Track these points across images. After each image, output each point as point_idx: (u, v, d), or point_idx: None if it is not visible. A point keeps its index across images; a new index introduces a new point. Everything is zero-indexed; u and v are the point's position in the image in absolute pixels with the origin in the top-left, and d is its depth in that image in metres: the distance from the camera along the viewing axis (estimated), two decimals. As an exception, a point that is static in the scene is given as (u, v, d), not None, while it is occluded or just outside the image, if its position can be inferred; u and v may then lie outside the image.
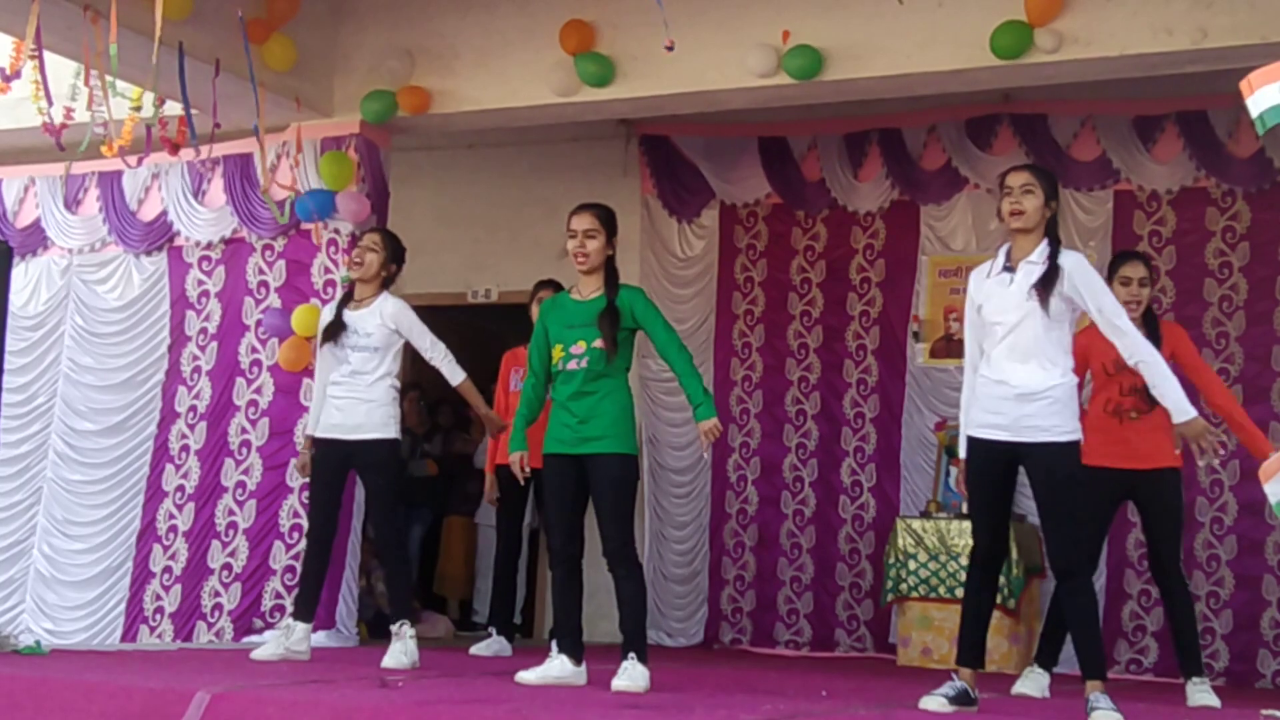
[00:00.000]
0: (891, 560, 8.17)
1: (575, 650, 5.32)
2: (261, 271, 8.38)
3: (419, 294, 8.90)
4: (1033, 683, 6.04)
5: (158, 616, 8.28)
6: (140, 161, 7.84)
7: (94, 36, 6.73)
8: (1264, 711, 5.17)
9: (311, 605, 6.40)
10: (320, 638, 7.19)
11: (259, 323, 8.28)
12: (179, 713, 4.36)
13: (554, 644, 5.35)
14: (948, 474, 8.42)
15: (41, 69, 6.75)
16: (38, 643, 6.09)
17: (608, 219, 5.49)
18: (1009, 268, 4.95)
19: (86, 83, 7.13)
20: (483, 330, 10.30)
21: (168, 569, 8.34)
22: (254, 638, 7.46)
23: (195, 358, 8.57)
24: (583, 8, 7.67)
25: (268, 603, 7.87)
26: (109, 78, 6.97)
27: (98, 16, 6.68)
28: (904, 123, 9.00)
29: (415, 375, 8.83)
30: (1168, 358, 5.89)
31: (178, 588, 8.26)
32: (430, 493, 10.12)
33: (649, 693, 5.08)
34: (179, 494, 8.41)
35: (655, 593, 9.14)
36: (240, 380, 8.32)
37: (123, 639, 8.36)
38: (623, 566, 5.28)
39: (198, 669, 5.43)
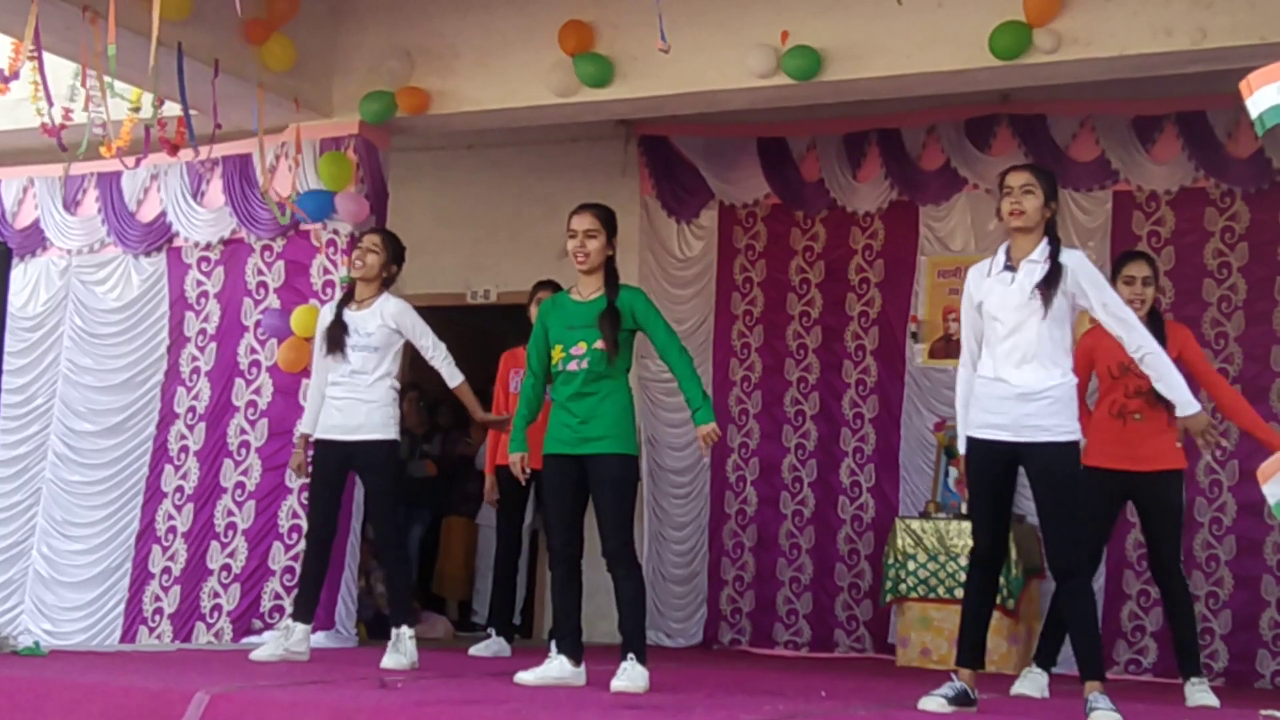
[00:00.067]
0: (890, 561, 8.16)
1: (574, 651, 5.32)
2: (260, 272, 8.38)
3: (418, 294, 8.89)
4: (1031, 683, 6.04)
5: (157, 617, 8.28)
6: (139, 162, 7.84)
7: (93, 37, 6.72)
8: (1263, 712, 5.17)
9: (311, 606, 6.40)
10: (319, 638, 7.18)
11: (258, 323, 8.28)
12: (178, 713, 4.36)
13: (553, 644, 5.35)
14: (947, 474, 8.42)
15: (41, 70, 6.75)
16: (37, 644, 6.10)
17: (608, 219, 5.49)
18: (1010, 266, 4.95)
19: (84, 84, 7.13)
20: (482, 330, 10.30)
21: (167, 570, 8.34)
22: (253, 638, 7.46)
23: (194, 358, 8.57)
24: (582, 8, 7.67)
25: (267, 603, 7.86)
26: (107, 79, 6.97)
27: (96, 17, 6.68)
28: (903, 123, 9.01)
29: (415, 376, 8.83)
30: (1174, 359, 5.91)
31: (177, 589, 8.26)
32: (430, 493, 10.12)
33: (648, 693, 5.08)
34: (178, 495, 8.41)
35: (654, 593, 9.14)
36: (239, 381, 8.32)
37: (122, 640, 8.36)
38: (622, 567, 5.28)
39: (197, 670, 5.43)
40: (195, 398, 8.49)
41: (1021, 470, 4.94)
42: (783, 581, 9.14)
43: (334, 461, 6.39)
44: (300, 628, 6.30)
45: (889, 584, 8.16)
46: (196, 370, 8.54)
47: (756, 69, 7.32)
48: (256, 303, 8.35)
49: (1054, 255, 4.89)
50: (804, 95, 7.63)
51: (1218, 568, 8.17)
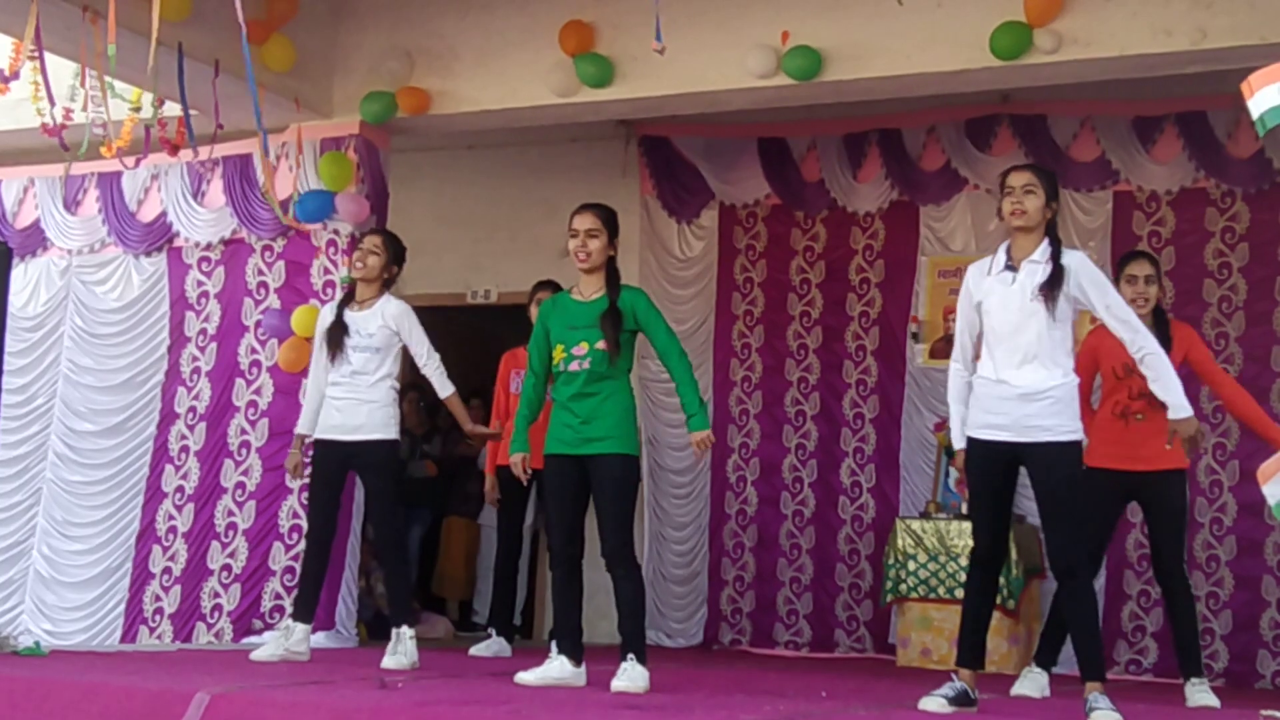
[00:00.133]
0: (891, 561, 8.16)
1: (575, 651, 5.32)
2: (261, 272, 8.38)
3: (418, 294, 8.90)
4: (1031, 682, 6.04)
5: (157, 617, 8.28)
6: (138, 163, 7.84)
7: (93, 37, 6.72)
8: (1263, 712, 5.17)
9: (311, 606, 6.40)
10: (320, 639, 7.18)
11: (258, 323, 8.28)
12: (179, 713, 4.36)
13: (553, 645, 5.35)
14: (947, 475, 8.42)
15: (43, 69, 6.75)
16: (37, 644, 6.10)
17: (610, 219, 5.50)
18: (1010, 266, 4.95)
19: (83, 84, 7.13)
20: (482, 331, 10.30)
21: (167, 570, 8.34)
22: (253, 639, 7.46)
23: (195, 358, 8.57)
24: (582, 8, 7.68)
25: (267, 604, 7.86)
26: (108, 79, 6.97)
27: (97, 17, 6.68)
28: (903, 123, 9.01)
29: (414, 376, 8.78)
30: (1180, 359, 5.92)
31: (177, 589, 8.26)
32: (430, 494, 10.12)
33: (648, 693, 5.08)
34: (178, 495, 8.41)
35: (655, 593, 9.14)
36: (240, 381, 8.32)
37: (122, 640, 8.36)
38: (621, 567, 5.28)
39: (197, 670, 5.43)
40: (196, 398, 8.49)
41: (1022, 470, 4.94)
42: (783, 582, 9.14)
43: (334, 462, 6.39)
44: (300, 628, 6.31)
45: (889, 584, 8.16)
46: (197, 370, 8.54)
47: (757, 69, 7.32)
48: (257, 303, 8.35)
49: (1055, 256, 4.89)
50: (804, 95, 7.63)
51: (1218, 568, 8.17)
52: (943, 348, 8.85)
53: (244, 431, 8.22)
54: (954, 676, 4.97)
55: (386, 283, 6.50)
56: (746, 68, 7.35)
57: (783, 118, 8.97)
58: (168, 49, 6.88)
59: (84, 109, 7.13)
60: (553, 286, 7.28)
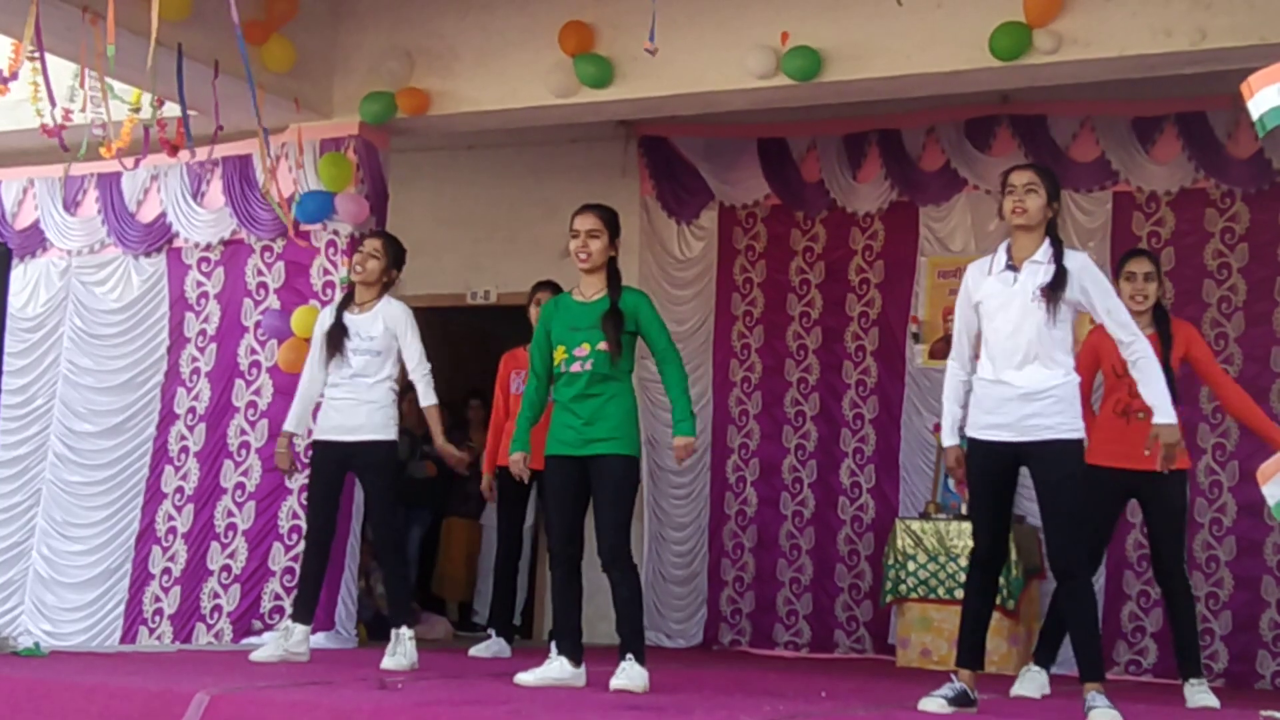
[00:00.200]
0: (890, 561, 8.16)
1: (575, 652, 5.32)
2: (260, 273, 8.38)
3: (418, 295, 8.91)
4: (1030, 681, 6.04)
5: (157, 618, 8.28)
6: (138, 163, 7.84)
7: (93, 38, 6.72)
8: (1263, 713, 5.17)
9: (310, 607, 6.41)
10: (319, 639, 7.18)
11: (258, 324, 8.28)
12: (178, 714, 4.37)
13: (553, 645, 5.35)
14: (946, 475, 8.41)
15: (44, 70, 6.75)
16: (37, 644, 6.10)
17: (611, 220, 5.50)
18: (1011, 266, 4.95)
19: (83, 84, 7.13)
20: (482, 331, 10.30)
21: (167, 571, 8.34)
22: (253, 639, 7.46)
23: (194, 359, 8.57)
24: (582, 9, 7.67)
25: (267, 604, 7.86)
26: (107, 79, 6.97)
27: (96, 18, 6.67)
28: (903, 124, 9.00)
29: (415, 377, 8.82)
30: (1180, 357, 5.93)
31: (177, 589, 8.25)
32: (429, 494, 10.11)
33: (648, 694, 5.08)
34: (178, 495, 8.41)
35: (654, 594, 9.14)
36: (239, 382, 8.32)
37: (122, 641, 8.36)
38: (617, 569, 5.29)
39: (197, 671, 5.43)
40: (195, 398, 8.49)
41: (1023, 471, 4.94)
42: (783, 582, 9.14)
43: (333, 462, 6.40)
44: (300, 629, 6.31)
45: (889, 585, 8.16)
46: (196, 371, 8.54)
47: (756, 70, 7.32)
48: (257, 303, 8.35)
49: (1058, 257, 4.89)
50: (804, 96, 7.62)
51: (1218, 568, 8.17)
52: (942, 348, 8.84)
53: (243, 432, 8.22)
54: (954, 677, 4.97)
55: (385, 286, 6.51)
56: (746, 68, 7.35)
57: (782, 118, 8.97)
58: (167, 49, 6.88)
59: (83, 110, 7.13)
60: (552, 287, 7.28)
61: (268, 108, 7.71)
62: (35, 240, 9.34)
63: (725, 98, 7.65)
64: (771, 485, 9.24)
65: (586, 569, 5.40)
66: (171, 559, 8.33)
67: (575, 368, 5.36)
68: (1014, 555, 7.61)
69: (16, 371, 9.03)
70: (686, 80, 7.50)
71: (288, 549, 7.87)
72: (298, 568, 7.00)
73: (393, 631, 6.24)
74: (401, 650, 6.13)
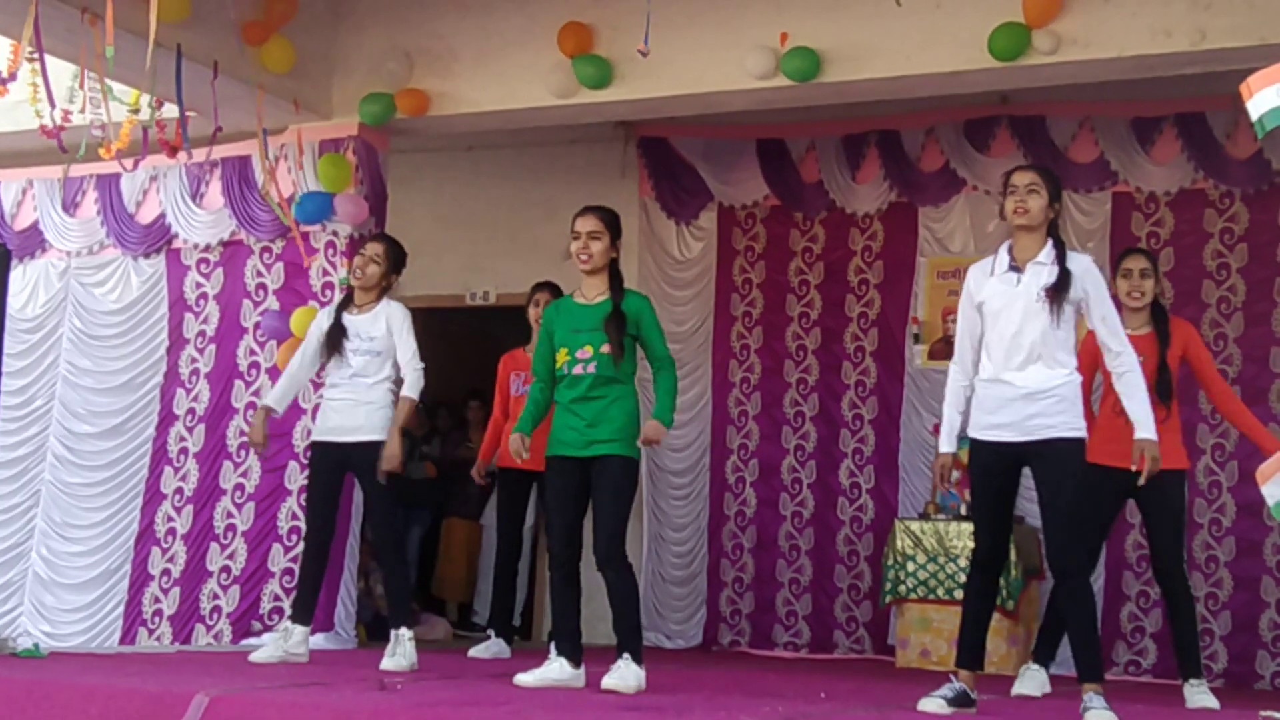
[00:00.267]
0: (890, 562, 8.16)
1: (574, 653, 5.32)
2: (260, 274, 8.38)
3: (417, 296, 8.91)
4: (1030, 680, 6.05)
5: (156, 619, 8.28)
6: (136, 164, 7.83)
7: (92, 39, 6.72)
8: (1263, 713, 5.18)
9: (310, 608, 6.41)
10: (319, 640, 7.18)
11: (257, 325, 8.28)
12: (178, 715, 4.37)
13: (553, 646, 5.35)
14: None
15: (44, 70, 6.75)
16: (36, 645, 6.10)
17: (612, 221, 5.50)
18: (1015, 267, 4.95)
19: (82, 85, 7.12)
20: (481, 332, 10.31)
21: (166, 571, 8.34)
22: (252, 640, 7.46)
23: (194, 360, 8.57)
24: (581, 10, 7.67)
25: (266, 605, 7.86)
26: (107, 80, 6.96)
27: (95, 19, 6.67)
28: (902, 124, 9.00)
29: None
30: (1179, 355, 5.93)
31: (176, 590, 8.25)
32: (429, 495, 10.12)
33: (648, 694, 5.08)
34: (177, 496, 8.40)
35: (654, 595, 9.15)
36: (239, 383, 8.32)
37: (121, 642, 8.36)
38: (612, 568, 5.29)
39: (196, 671, 5.43)
40: (195, 399, 8.49)
41: (1023, 471, 4.95)
42: (782, 583, 9.14)
43: (332, 463, 6.40)
44: (299, 629, 6.31)
45: (888, 585, 8.15)
46: (196, 372, 8.53)
47: (755, 70, 7.32)
48: (256, 304, 8.35)
49: (1061, 259, 4.90)
50: (803, 97, 7.62)
51: (1217, 569, 8.17)
52: (942, 349, 8.85)
53: (243, 433, 8.21)
54: (953, 677, 4.97)
55: (384, 289, 6.52)
56: (745, 69, 7.35)
57: (782, 119, 8.97)
58: (166, 50, 6.87)
59: (82, 111, 7.13)
60: (551, 288, 7.29)
61: (267, 108, 7.73)
62: (34, 241, 9.33)
63: (724, 98, 7.65)
64: (771, 486, 9.24)
65: (586, 569, 5.40)
66: (171, 560, 8.33)
67: (578, 370, 5.37)
68: (1013, 556, 7.60)
69: (16, 373, 9.03)
70: (686, 81, 7.49)
71: (287, 550, 7.87)
72: (297, 569, 7.00)
73: (392, 632, 6.24)
74: (401, 651, 6.13)
